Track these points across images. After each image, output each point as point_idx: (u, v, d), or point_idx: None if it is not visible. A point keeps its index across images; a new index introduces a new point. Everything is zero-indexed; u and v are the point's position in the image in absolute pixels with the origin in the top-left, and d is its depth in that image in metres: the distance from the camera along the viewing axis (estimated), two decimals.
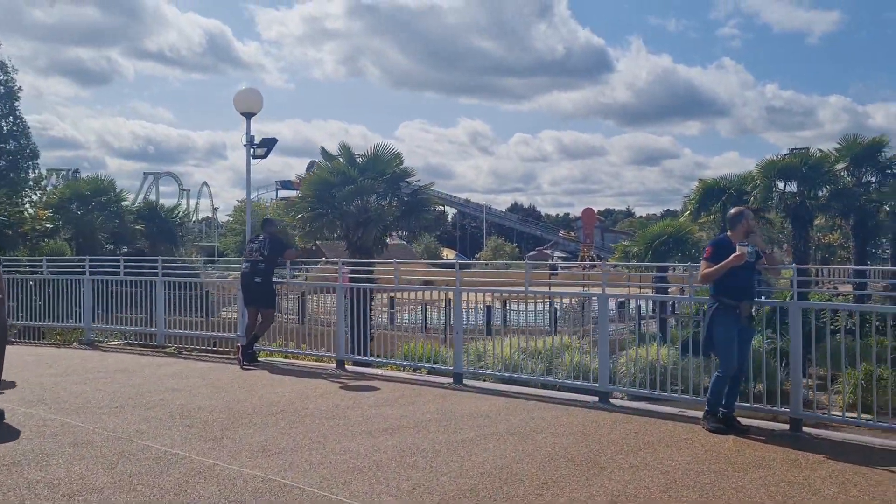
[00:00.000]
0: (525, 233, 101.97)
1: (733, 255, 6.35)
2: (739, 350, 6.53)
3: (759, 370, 7.16)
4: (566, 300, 15.82)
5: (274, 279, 10.44)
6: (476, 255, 76.64)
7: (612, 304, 17.36)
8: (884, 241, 26.73)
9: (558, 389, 8.53)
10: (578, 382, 8.16)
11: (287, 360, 10.99)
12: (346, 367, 10.09)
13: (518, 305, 16.10)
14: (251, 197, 15.81)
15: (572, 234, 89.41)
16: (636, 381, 7.92)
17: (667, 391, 7.42)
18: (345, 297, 10.21)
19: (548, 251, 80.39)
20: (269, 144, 13.62)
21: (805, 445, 6.08)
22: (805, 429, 6.59)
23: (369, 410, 7.36)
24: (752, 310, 6.69)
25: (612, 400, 7.83)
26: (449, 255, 76.74)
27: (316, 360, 10.95)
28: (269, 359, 10.97)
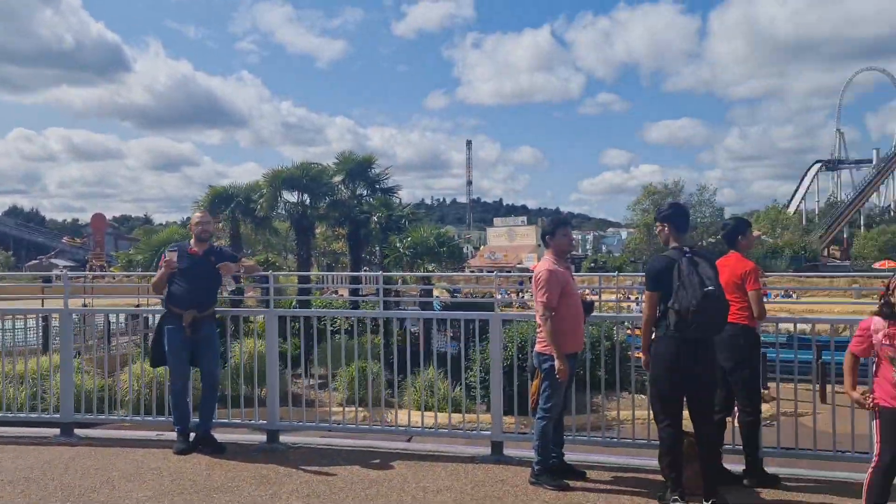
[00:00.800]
0: (24, 239, 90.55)
1: (164, 261, 6.01)
2: (203, 361, 6.09)
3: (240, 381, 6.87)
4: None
5: None
6: None
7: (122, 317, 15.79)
8: (377, 248, 29.64)
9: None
10: (35, 415, 6.86)
11: None
12: None
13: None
14: None
15: (79, 240, 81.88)
16: (140, 402, 6.91)
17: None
18: None
19: (52, 260, 72.21)
20: None
21: (279, 458, 5.91)
22: (283, 438, 6.46)
23: None
24: (194, 317, 5.98)
25: (92, 430, 6.76)
26: None
27: None
28: None
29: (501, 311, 7.93)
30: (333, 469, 5.55)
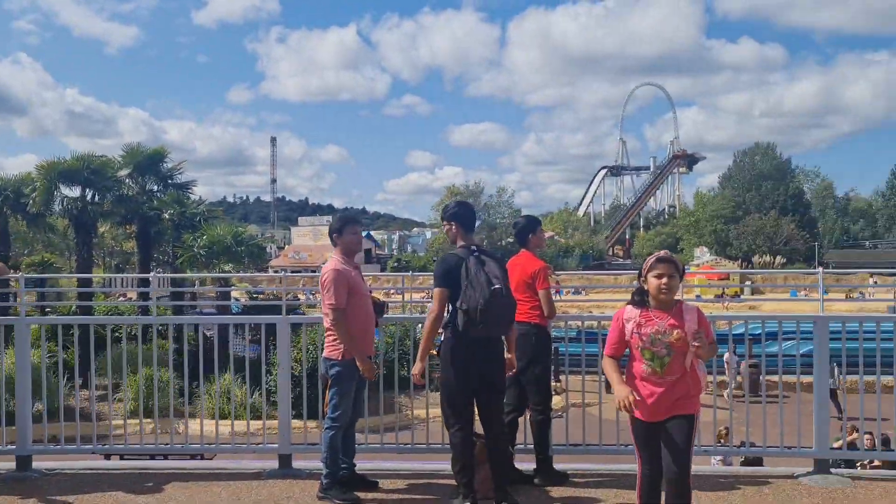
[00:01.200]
0: None
1: None
2: None
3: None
4: None
5: None
6: None
7: None
8: (170, 247, 27.86)
9: None
10: None
11: None
12: None
13: None
14: None
15: None
16: None
17: None
18: None
19: None
20: None
21: (30, 488, 5.13)
22: (41, 464, 5.64)
23: None
24: None
25: None
26: None
27: None
28: None
29: (305, 311, 7.50)
30: (94, 498, 4.88)
